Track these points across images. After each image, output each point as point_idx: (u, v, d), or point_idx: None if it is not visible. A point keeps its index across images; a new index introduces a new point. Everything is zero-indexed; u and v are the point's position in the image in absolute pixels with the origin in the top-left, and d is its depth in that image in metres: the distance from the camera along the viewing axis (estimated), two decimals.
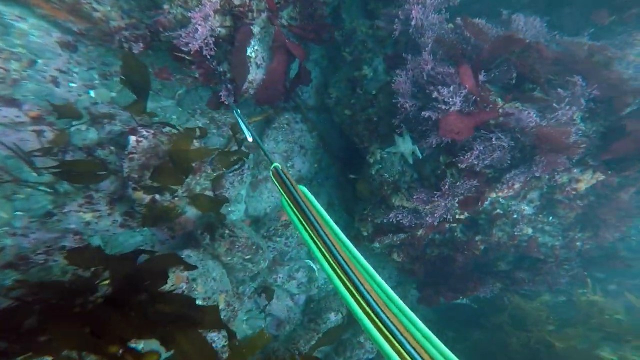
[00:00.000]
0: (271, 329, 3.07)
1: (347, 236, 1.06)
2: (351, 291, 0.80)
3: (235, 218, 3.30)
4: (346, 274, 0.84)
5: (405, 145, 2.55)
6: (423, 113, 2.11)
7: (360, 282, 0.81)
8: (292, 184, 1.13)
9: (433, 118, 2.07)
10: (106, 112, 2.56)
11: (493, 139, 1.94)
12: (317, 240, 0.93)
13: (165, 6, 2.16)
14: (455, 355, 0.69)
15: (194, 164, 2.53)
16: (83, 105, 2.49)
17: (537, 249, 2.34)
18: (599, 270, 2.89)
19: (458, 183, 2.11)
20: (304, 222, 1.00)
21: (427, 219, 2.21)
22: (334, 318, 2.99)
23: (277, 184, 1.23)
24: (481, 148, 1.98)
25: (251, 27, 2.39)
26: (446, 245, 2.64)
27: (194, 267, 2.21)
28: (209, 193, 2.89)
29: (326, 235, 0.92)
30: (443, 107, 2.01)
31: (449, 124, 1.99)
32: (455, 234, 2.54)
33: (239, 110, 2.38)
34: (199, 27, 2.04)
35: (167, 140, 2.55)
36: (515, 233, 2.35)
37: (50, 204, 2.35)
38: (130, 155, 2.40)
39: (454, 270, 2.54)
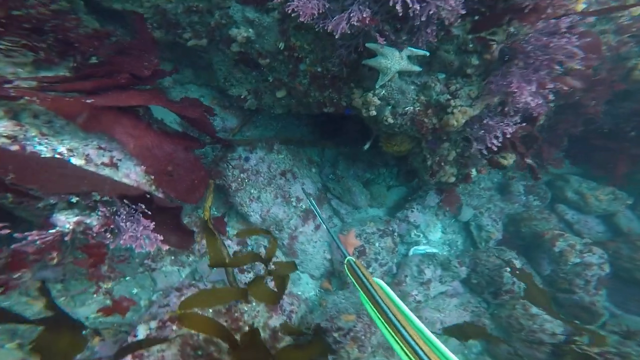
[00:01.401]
0: None
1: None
2: None
3: (312, 294, 2.59)
4: None
5: (393, 59, 1.62)
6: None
7: None
8: (367, 278, 1.02)
9: None
10: None
11: None
12: (398, 339, 0.83)
13: None
14: None
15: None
16: None
17: None
18: None
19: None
20: (382, 319, 0.90)
21: (534, 102, 1.38)
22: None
23: (352, 279, 1.14)
24: None
25: None
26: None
27: None
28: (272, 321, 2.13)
29: (407, 331, 0.81)
30: None
31: None
32: None
33: (311, 198, 2.08)
34: None
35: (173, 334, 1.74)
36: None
37: None
38: None
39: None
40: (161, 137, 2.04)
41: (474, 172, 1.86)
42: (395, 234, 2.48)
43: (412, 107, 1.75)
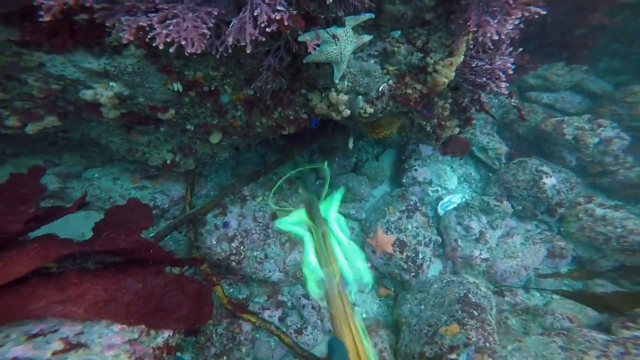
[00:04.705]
0: None
1: None
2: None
3: (376, 308, 2.44)
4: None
5: (341, 41, 1.29)
6: None
7: None
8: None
9: None
10: None
11: None
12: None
13: None
14: None
15: None
16: None
17: None
18: None
19: None
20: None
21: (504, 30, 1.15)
22: None
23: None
24: None
25: None
26: None
27: None
28: None
29: None
30: None
31: None
32: None
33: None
34: None
35: None
36: None
37: None
38: None
39: None
40: (115, 275, 1.60)
41: (474, 112, 1.69)
42: (418, 204, 2.34)
43: (385, 84, 1.46)
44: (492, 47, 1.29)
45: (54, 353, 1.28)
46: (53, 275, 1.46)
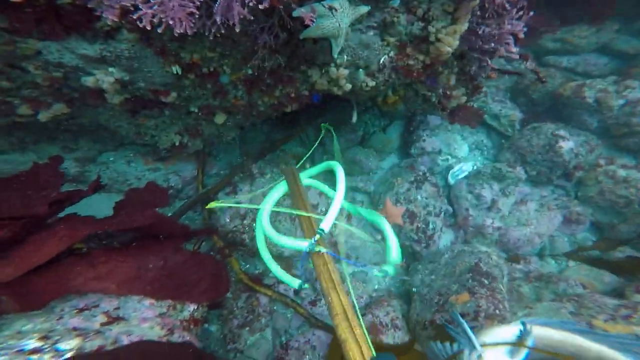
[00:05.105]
0: None
1: None
2: None
3: (387, 280, 2.53)
4: None
5: (337, 14, 1.25)
6: None
7: None
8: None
9: None
10: None
11: None
12: None
13: None
14: None
15: None
16: None
17: None
18: None
19: None
20: None
21: None
22: None
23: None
24: None
25: None
26: None
27: None
28: None
29: None
30: None
31: None
32: None
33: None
34: None
35: None
36: None
37: None
38: None
39: None
40: (137, 253, 1.74)
41: (482, 80, 1.62)
42: (427, 174, 2.34)
43: (386, 56, 1.42)
44: (508, 9, 1.21)
45: (101, 324, 1.45)
46: (83, 255, 1.61)
